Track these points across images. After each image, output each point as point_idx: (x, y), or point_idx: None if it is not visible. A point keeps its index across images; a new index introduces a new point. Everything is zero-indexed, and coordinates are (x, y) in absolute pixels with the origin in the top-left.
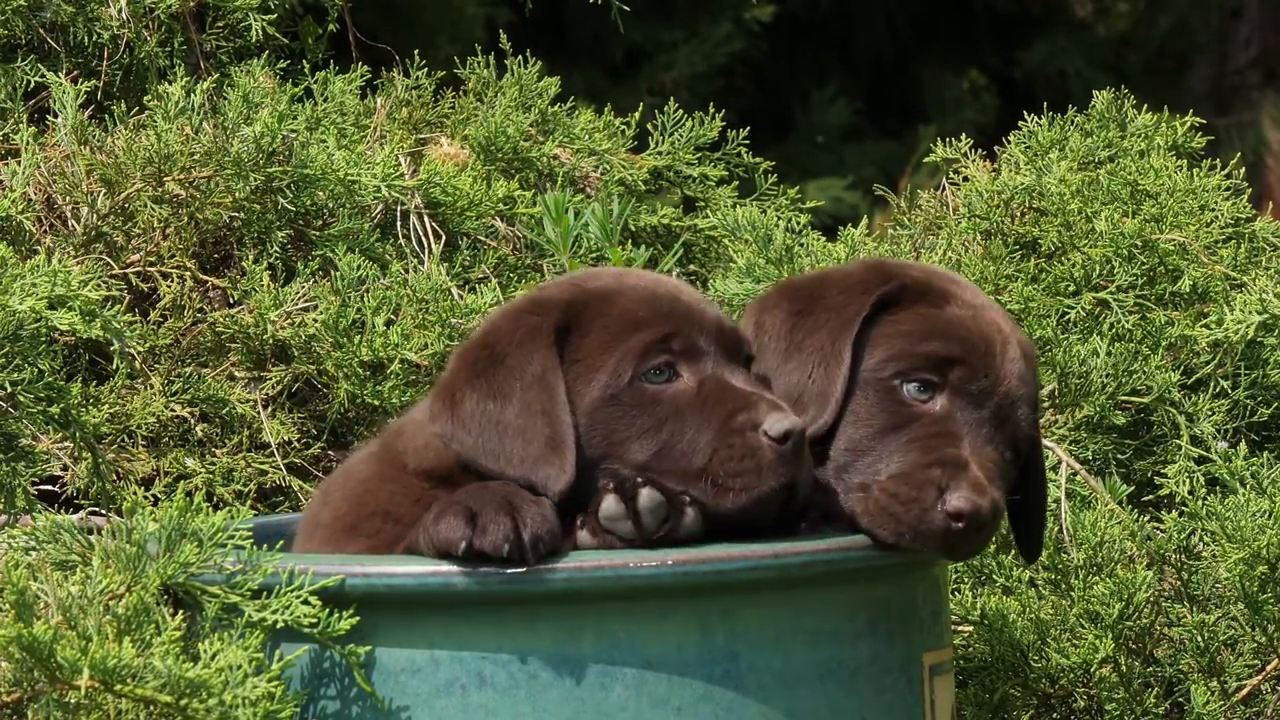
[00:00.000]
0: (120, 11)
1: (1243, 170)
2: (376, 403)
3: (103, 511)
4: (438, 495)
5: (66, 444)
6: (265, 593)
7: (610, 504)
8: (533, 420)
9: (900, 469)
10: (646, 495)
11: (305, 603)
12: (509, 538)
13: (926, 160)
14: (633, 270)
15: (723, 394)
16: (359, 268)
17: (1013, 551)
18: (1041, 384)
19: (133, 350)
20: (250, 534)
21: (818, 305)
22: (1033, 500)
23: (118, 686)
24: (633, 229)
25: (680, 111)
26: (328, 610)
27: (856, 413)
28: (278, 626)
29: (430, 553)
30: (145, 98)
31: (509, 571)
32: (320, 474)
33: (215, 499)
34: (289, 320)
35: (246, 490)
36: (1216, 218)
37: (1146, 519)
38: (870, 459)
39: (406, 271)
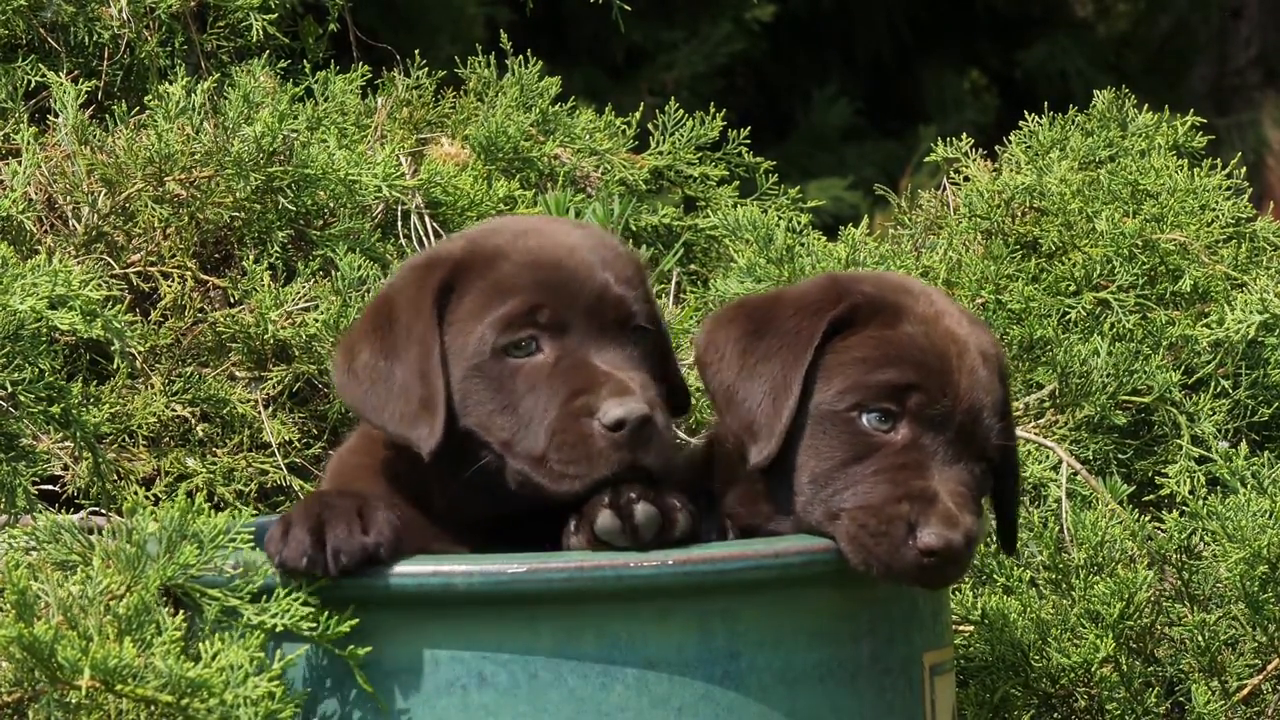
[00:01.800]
0: (121, 11)
1: (1243, 170)
2: None
3: (103, 511)
4: (396, 463)
5: (67, 444)
6: (265, 595)
7: (606, 519)
8: (413, 380)
9: (868, 500)
10: (642, 511)
11: (304, 604)
12: (306, 552)
13: (927, 160)
14: (537, 224)
15: (571, 374)
16: (360, 268)
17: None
18: (1041, 384)
19: (133, 350)
20: (251, 535)
21: (770, 328)
22: (1005, 497)
23: (119, 686)
24: (634, 228)
25: (681, 111)
26: (327, 613)
27: (818, 446)
28: (276, 630)
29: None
30: (146, 97)
31: (491, 573)
32: (321, 474)
33: (216, 499)
34: (290, 320)
35: (247, 490)
36: (1217, 217)
37: (1147, 519)
38: (833, 489)
39: None
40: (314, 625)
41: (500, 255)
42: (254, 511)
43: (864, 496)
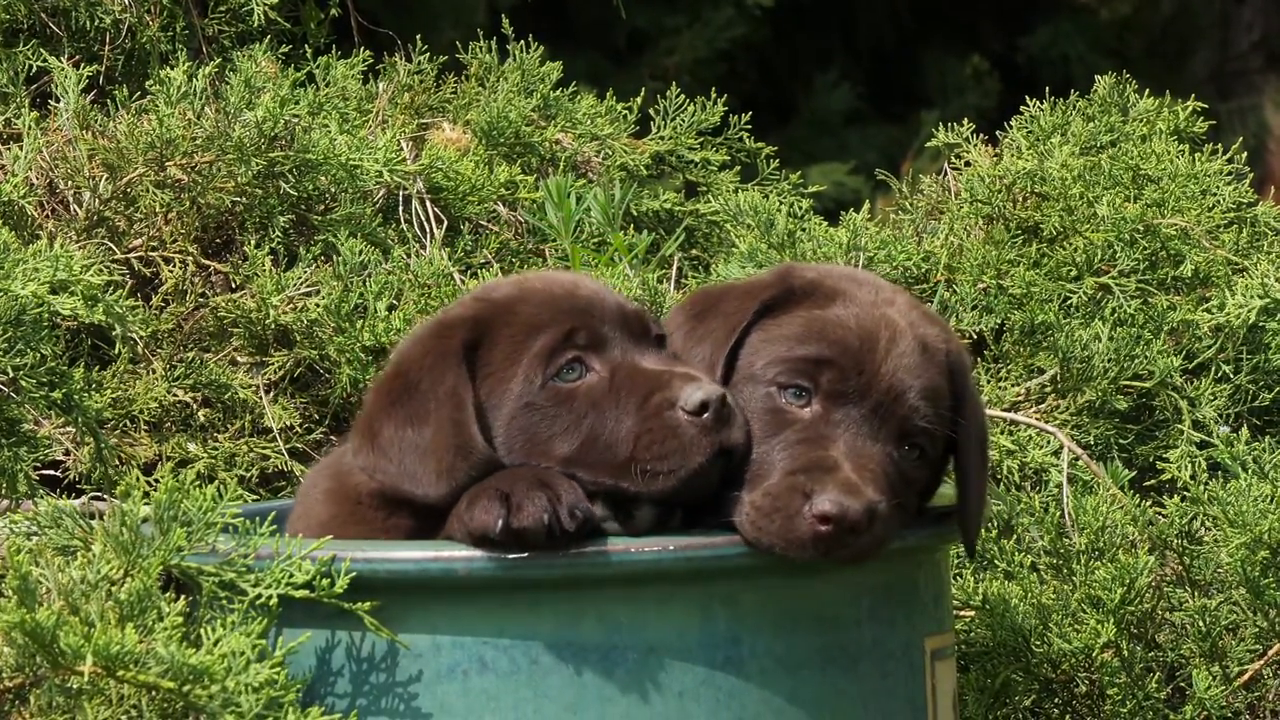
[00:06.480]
0: None
1: (1244, 155)
2: None
3: (105, 496)
4: (399, 524)
5: (69, 429)
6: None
7: (610, 525)
8: (445, 433)
9: (766, 484)
10: (644, 514)
11: (301, 570)
12: (547, 510)
13: (929, 145)
14: (534, 274)
15: (635, 379)
16: (361, 252)
17: (1014, 536)
18: (1043, 369)
19: (135, 335)
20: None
21: (711, 311)
22: (964, 498)
23: (120, 672)
24: (634, 214)
25: (682, 96)
26: (322, 575)
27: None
28: (273, 601)
29: (465, 539)
30: (147, 82)
31: (511, 557)
32: (322, 459)
33: (218, 484)
34: (291, 305)
35: (249, 475)
36: (1218, 202)
37: (1148, 504)
38: (751, 469)
39: (408, 256)
40: (311, 590)
41: (517, 301)
42: (254, 497)
43: (768, 478)
